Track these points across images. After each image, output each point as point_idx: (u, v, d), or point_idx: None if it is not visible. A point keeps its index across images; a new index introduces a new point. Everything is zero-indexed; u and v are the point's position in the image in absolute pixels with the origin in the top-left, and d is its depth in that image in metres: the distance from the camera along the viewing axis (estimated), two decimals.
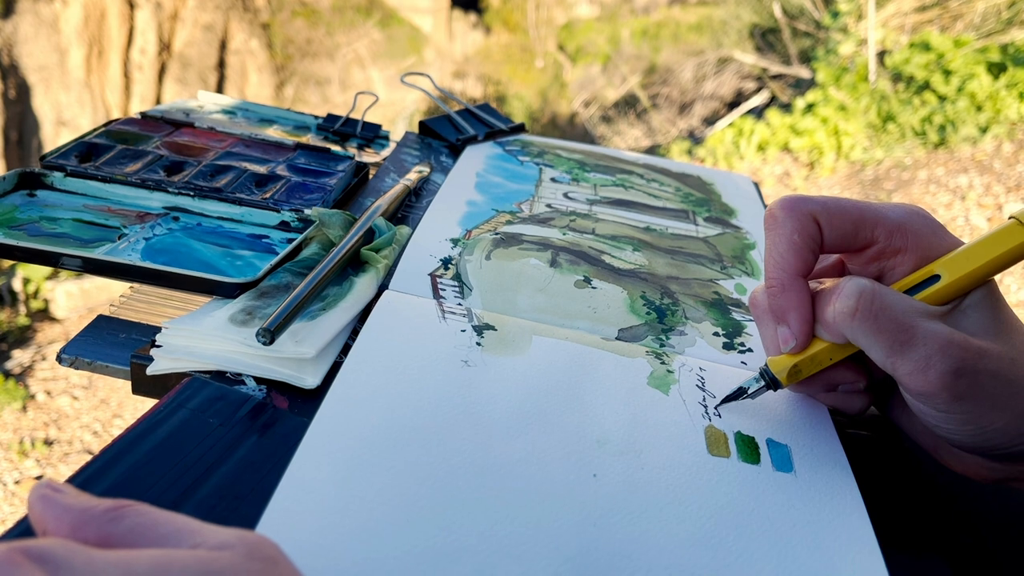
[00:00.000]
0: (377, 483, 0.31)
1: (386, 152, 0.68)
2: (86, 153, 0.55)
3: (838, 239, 0.37)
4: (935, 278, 0.34)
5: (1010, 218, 0.34)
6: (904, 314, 0.33)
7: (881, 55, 4.58)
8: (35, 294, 3.46)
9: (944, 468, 0.38)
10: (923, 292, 0.35)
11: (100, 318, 0.43)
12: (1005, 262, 0.34)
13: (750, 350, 0.44)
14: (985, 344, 0.33)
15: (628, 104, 6.84)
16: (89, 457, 0.31)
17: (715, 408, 0.39)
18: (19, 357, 3.13)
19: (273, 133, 0.66)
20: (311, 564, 0.27)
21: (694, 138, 5.71)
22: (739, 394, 0.39)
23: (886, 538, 0.33)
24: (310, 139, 0.67)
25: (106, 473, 0.30)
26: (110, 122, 0.60)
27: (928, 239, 0.36)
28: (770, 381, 0.38)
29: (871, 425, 0.42)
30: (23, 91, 5.47)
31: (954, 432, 0.33)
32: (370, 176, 0.62)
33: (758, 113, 5.30)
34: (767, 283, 0.37)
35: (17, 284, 3.44)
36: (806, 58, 5.45)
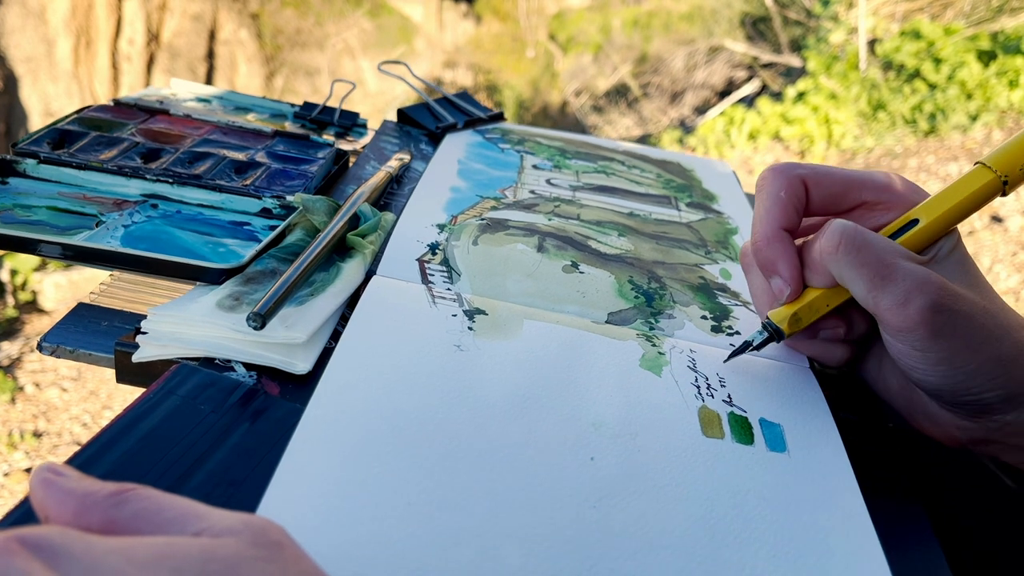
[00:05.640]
0: (375, 467, 0.31)
1: (364, 140, 0.68)
2: (59, 140, 0.54)
3: (826, 199, 0.40)
4: (914, 223, 0.37)
5: (976, 163, 0.38)
6: (884, 252, 0.35)
7: (871, 43, 4.58)
8: (23, 286, 3.44)
9: (930, 448, 0.39)
10: (903, 237, 0.37)
11: (81, 306, 0.42)
12: (975, 202, 0.37)
13: (738, 333, 0.44)
14: (960, 288, 0.35)
15: (619, 93, 6.83)
16: (78, 449, 0.30)
17: (723, 362, 0.40)
18: (7, 349, 3.11)
19: (250, 121, 0.66)
20: (311, 549, 0.26)
21: (685, 127, 5.71)
22: (745, 347, 0.40)
23: (877, 515, 0.33)
24: (288, 127, 0.66)
25: (97, 462, 0.30)
26: (82, 109, 0.59)
27: (909, 196, 0.39)
28: (773, 333, 0.39)
29: (859, 409, 0.42)
30: (10, 82, 5.42)
31: (929, 373, 0.35)
32: (350, 164, 0.61)
33: (749, 102, 5.30)
34: (753, 238, 0.39)
35: (4, 276, 3.41)
36: (797, 47, 5.44)
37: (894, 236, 0.37)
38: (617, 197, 0.60)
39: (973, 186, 0.37)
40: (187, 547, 0.20)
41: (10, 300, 3.43)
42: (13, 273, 3.45)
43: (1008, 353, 0.34)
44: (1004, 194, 0.37)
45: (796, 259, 0.38)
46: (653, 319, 0.44)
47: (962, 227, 3.09)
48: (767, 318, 0.39)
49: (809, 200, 0.39)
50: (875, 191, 0.39)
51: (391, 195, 0.56)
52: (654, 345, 0.42)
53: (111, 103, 0.62)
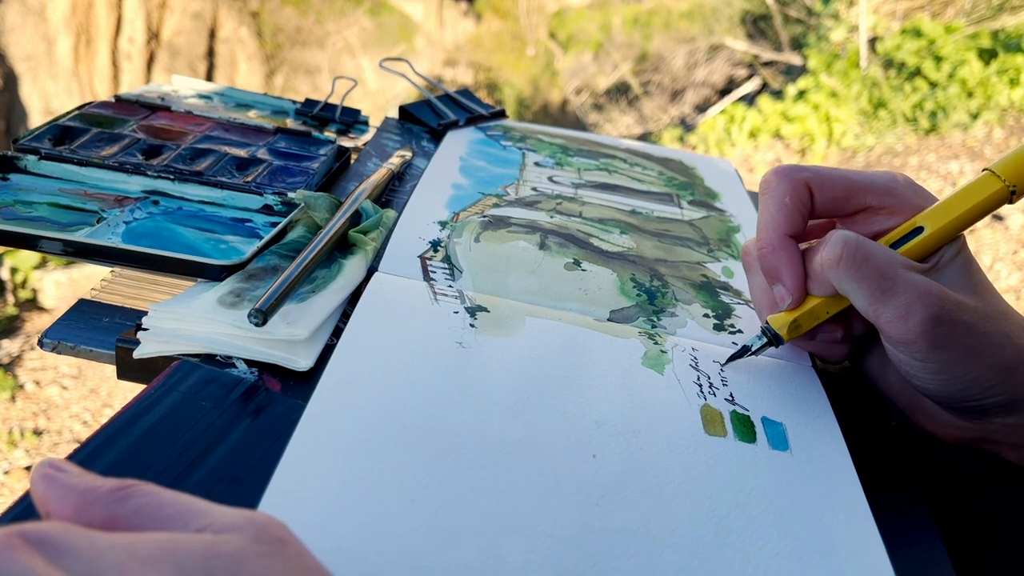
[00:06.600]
0: (377, 464, 0.31)
1: (366, 137, 0.67)
2: (60, 136, 0.54)
3: (829, 203, 0.39)
4: (918, 230, 0.37)
5: (984, 170, 0.37)
6: (886, 264, 0.35)
7: (872, 41, 4.58)
8: (23, 283, 3.43)
9: (932, 445, 0.38)
10: (907, 245, 0.37)
11: (82, 302, 0.42)
12: (982, 211, 0.37)
13: (740, 331, 0.44)
14: (962, 297, 0.35)
15: (620, 91, 6.82)
16: (79, 445, 0.30)
17: (721, 366, 0.40)
18: (7, 347, 3.11)
19: (251, 117, 0.65)
20: (313, 545, 0.26)
21: (686, 125, 5.71)
22: (743, 352, 0.40)
23: (880, 512, 0.33)
24: (290, 124, 0.66)
25: (98, 458, 0.30)
26: (84, 105, 0.59)
27: (913, 200, 0.38)
28: (771, 338, 0.39)
29: (861, 407, 0.42)
30: (10, 80, 5.41)
31: (929, 382, 0.35)
32: (352, 161, 0.61)
33: (750, 100, 5.29)
34: (758, 244, 0.39)
35: (4, 273, 3.41)
36: (797, 45, 5.44)
37: (898, 244, 0.37)
38: (619, 195, 0.60)
39: (980, 195, 0.37)
40: (190, 543, 0.20)
41: (10, 298, 3.43)
42: (13, 271, 3.45)
43: (1009, 361, 0.34)
44: (1011, 202, 0.37)
45: (800, 268, 0.38)
46: (655, 317, 0.44)
47: None
48: (766, 323, 0.39)
49: (813, 204, 0.39)
50: (879, 195, 0.39)
51: (393, 192, 0.56)
52: (656, 343, 0.41)
53: (112, 99, 0.62)
